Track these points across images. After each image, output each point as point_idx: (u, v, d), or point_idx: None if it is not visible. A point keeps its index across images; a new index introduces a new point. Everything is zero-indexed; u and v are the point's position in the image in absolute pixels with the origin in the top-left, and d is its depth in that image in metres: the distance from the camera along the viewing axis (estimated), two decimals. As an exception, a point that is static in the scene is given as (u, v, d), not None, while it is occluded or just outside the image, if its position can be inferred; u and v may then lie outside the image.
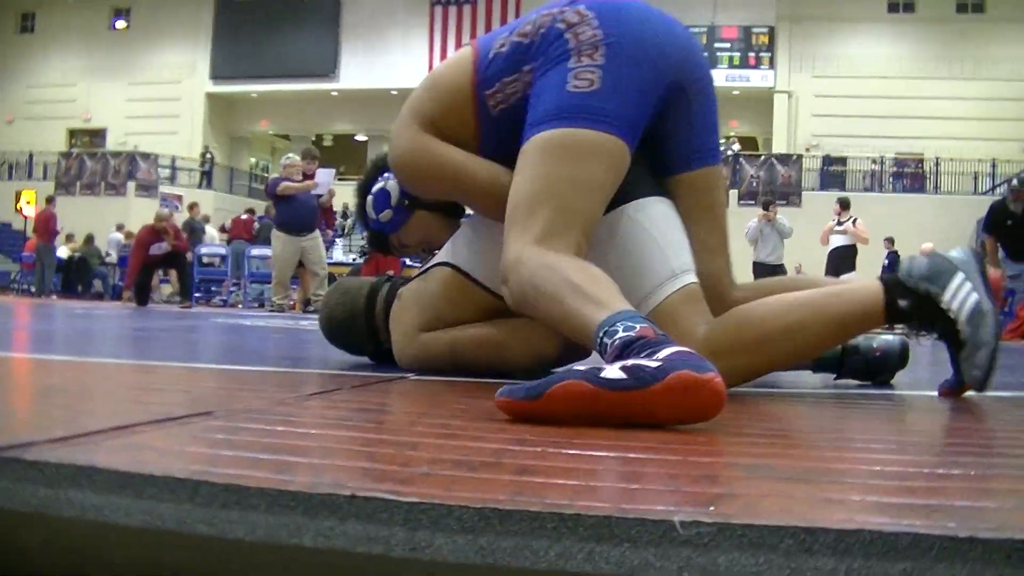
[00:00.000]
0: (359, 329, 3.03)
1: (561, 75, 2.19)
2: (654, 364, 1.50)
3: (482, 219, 2.69)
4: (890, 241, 21.29)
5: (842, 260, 14.77)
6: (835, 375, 2.82)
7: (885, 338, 2.80)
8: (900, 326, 2.23)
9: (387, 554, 0.73)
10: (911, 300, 2.11)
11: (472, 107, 2.43)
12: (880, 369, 2.79)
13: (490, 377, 2.56)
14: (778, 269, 14.86)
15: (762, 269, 14.89)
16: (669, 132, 2.41)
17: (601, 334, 1.71)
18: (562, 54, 2.21)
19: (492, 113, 2.40)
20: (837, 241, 15.14)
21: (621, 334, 1.66)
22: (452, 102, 2.46)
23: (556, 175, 2.12)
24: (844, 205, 15.54)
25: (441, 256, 2.79)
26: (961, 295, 2.09)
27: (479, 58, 2.42)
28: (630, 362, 1.53)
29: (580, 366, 1.59)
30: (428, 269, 2.81)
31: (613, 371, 1.52)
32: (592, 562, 0.71)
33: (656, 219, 2.36)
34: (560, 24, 2.24)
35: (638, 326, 1.66)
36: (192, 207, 21.14)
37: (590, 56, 2.17)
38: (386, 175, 3.02)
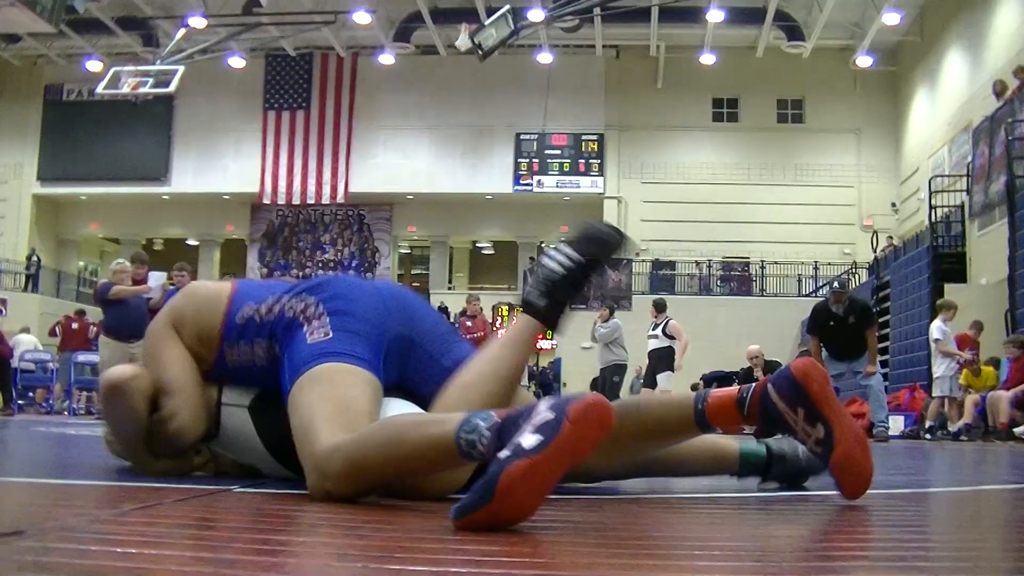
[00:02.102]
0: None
1: (301, 337, 2.53)
2: (551, 414, 1.67)
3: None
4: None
5: (659, 360, 15.00)
6: (760, 479, 2.88)
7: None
8: None
9: None
10: None
11: (214, 349, 2.76)
12: (804, 474, 2.86)
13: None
14: (616, 370, 15.01)
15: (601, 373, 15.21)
16: (421, 374, 2.69)
17: (463, 439, 1.85)
18: (297, 327, 2.56)
19: (226, 361, 2.74)
20: (653, 344, 15.32)
21: (484, 427, 1.81)
22: (200, 333, 2.78)
23: (329, 391, 2.36)
24: (659, 308, 15.65)
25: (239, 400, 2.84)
26: None
27: (230, 309, 2.76)
28: (533, 424, 1.68)
29: (501, 454, 1.69)
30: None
31: (527, 439, 1.66)
32: None
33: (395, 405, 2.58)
34: (289, 312, 2.61)
35: (493, 413, 1.83)
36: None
37: (319, 319, 2.54)
38: None
